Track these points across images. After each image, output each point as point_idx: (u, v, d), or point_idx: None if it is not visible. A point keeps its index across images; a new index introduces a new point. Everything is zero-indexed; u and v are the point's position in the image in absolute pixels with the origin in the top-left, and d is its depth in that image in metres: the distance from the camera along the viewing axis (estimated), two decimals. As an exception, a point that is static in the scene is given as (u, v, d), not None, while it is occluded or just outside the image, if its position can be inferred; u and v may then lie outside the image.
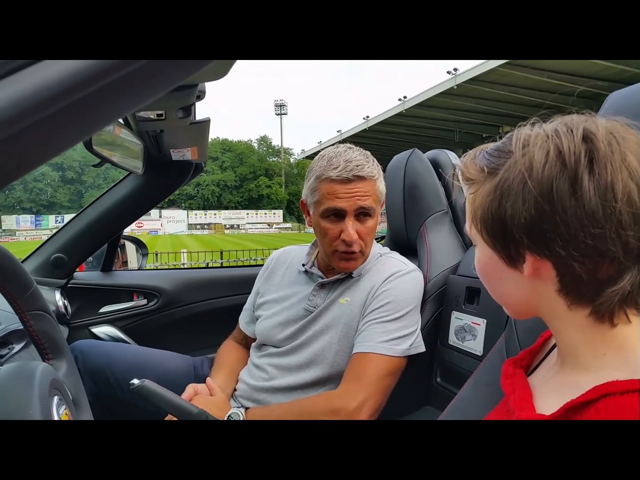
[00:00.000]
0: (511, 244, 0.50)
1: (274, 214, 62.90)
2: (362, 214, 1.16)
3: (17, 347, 1.16)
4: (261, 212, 63.15)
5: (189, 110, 1.09)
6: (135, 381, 1.00)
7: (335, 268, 1.23)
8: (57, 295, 1.55)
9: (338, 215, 1.15)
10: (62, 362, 0.78)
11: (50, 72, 0.31)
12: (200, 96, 1.05)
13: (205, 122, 1.25)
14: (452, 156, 1.55)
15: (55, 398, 0.61)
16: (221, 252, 13.22)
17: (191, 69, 0.39)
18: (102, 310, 1.74)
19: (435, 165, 1.51)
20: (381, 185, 1.19)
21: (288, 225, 58.51)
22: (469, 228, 0.57)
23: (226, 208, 64.26)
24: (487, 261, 0.55)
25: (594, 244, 0.45)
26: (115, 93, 0.34)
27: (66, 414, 0.62)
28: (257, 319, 1.34)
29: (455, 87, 15.68)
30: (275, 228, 56.98)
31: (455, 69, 15.73)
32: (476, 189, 0.53)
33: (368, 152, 1.21)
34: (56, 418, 0.58)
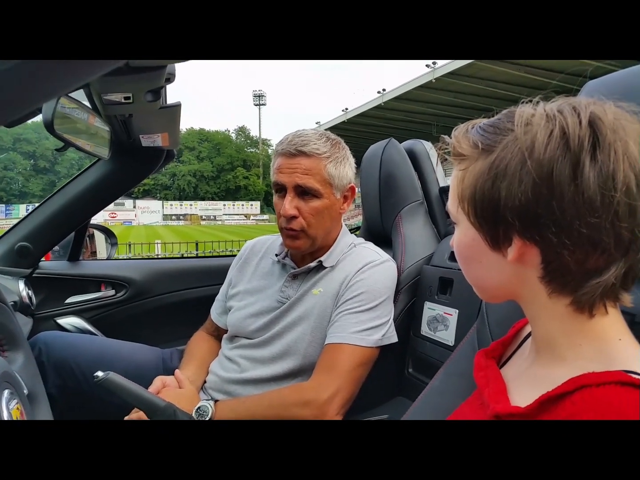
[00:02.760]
0: (501, 226, 0.48)
1: (251, 205, 62.56)
2: (304, 192, 1.14)
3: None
4: (238, 203, 62.75)
5: (157, 93, 1.05)
6: (99, 373, 0.96)
7: (286, 247, 1.23)
8: (21, 285, 1.50)
9: (281, 190, 1.16)
10: (17, 354, 0.74)
11: None
12: (170, 79, 1.01)
13: (176, 107, 1.22)
14: (428, 146, 1.54)
15: (6, 392, 0.57)
16: (196, 243, 13.10)
17: (89, 71, 0.34)
18: (68, 300, 1.70)
19: (412, 155, 1.50)
20: (331, 168, 1.15)
21: (265, 217, 58.32)
22: (453, 207, 0.54)
23: (202, 199, 63.62)
24: (469, 242, 0.53)
25: (588, 233, 0.43)
26: None
27: (17, 408, 0.59)
28: (229, 310, 1.31)
29: (434, 80, 15.81)
30: (252, 219, 56.75)
31: (434, 62, 15.84)
32: (467, 166, 0.50)
33: (334, 137, 1.20)
34: (5, 413, 0.55)
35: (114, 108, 1.14)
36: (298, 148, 1.12)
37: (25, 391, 0.67)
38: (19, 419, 0.58)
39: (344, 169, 1.18)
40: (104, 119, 1.26)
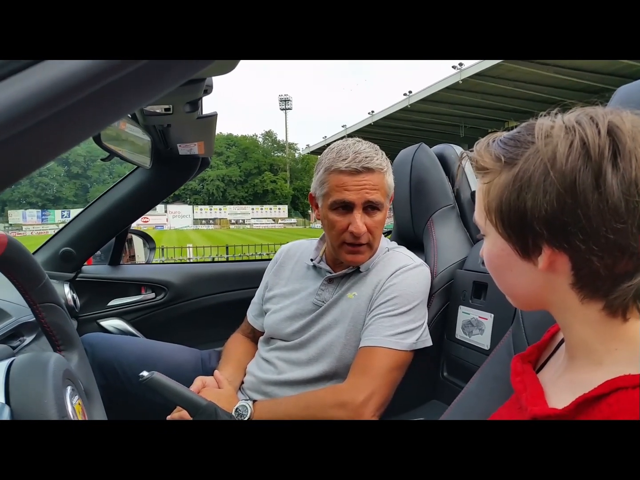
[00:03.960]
0: (529, 236, 0.49)
1: (279, 209, 62.83)
2: (370, 207, 1.16)
3: (28, 339, 1.17)
4: (266, 207, 63.08)
5: (196, 104, 1.10)
6: (145, 373, 1.00)
7: (343, 261, 1.23)
8: (66, 289, 1.57)
9: (346, 207, 1.15)
10: (73, 353, 0.78)
11: (51, 72, 0.31)
12: (208, 90, 1.05)
13: (212, 117, 1.26)
14: (458, 151, 1.54)
15: (69, 388, 0.62)
16: (227, 247, 13.22)
17: (193, 69, 0.38)
18: (111, 303, 1.76)
19: (442, 159, 1.51)
20: (389, 179, 1.19)
21: (293, 220, 58.52)
22: (480, 219, 0.55)
23: (231, 203, 64.21)
24: (499, 253, 0.54)
25: (615, 239, 0.44)
26: (117, 93, 0.34)
27: (79, 403, 0.63)
28: (266, 313, 1.34)
29: (461, 82, 15.58)
30: (280, 223, 57.00)
31: (460, 64, 15.64)
32: (491, 179, 0.52)
33: (377, 146, 1.20)
34: (69, 408, 0.58)
35: (154, 119, 1.19)
36: (364, 165, 1.12)
37: (82, 387, 0.71)
38: (80, 413, 0.62)
39: (391, 178, 1.21)
40: (143, 129, 1.32)
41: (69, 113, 0.32)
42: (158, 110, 1.13)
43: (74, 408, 0.60)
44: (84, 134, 0.36)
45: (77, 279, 1.67)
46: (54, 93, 0.31)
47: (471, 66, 15.12)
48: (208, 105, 1.20)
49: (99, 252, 1.78)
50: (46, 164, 0.35)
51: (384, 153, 1.20)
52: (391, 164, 1.24)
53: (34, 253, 1.64)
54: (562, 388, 0.53)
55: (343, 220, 1.16)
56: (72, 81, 0.31)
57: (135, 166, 1.55)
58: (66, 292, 1.55)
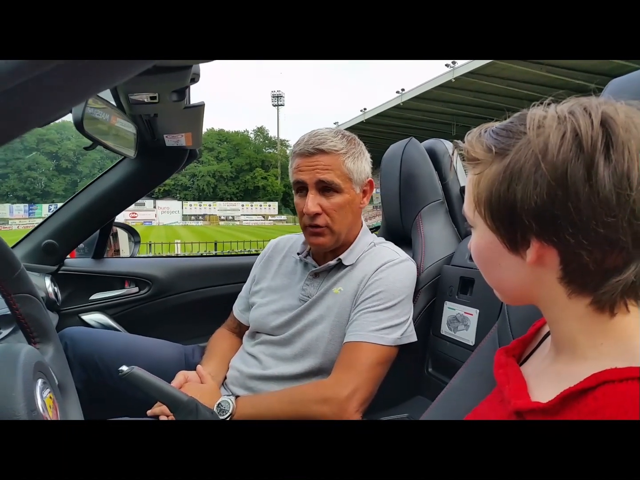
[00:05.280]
0: (518, 229, 0.48)
1: (269, 205, 62.74)
2: (325, 188, 1.16)
3: (5, 332, 1.14)
4: (256, 204, 62.96)
5: (182, 93, 1.08)
6: (124, 368, 0.98)
7: (310, 245, 1.25)
8: (48, 282, 1.53)
9: (303, 189, 1.18)
10: (48, 346, 0.76)
11: None
12: (195, 79, 1.03)
13: (200, 107, 1.23)
14: (449, 146, 1.53)
15: (39, 381, 0.60)
16: (215, 244, 13.20)
17: (123, 71, 0.34)
18: (93, 297, 1.73)
19: (432, 154, 1.50)
20: (351, 164, 1.17)
21: (283, 217, 58.48)
22: (469, 211, 0.54)
23: (221, 199, 63.98)
24: (487, 246, 0.53)
25: (605, 233, 0.43)
26: (26, 98, 0.30)
27: (50, 397, 0.61)
28: (252, 306, 1.33)
29: (454, 80, 15.68)
30: (270, 220, 56.94)
31: (453, 62, 15.73)
32: (481, 170, 0.51)
33: (349, 133, 1.21)
34: (39, 401, 0.56)
35: (140, 108, 1.17)
36: (316, 147, 1.14)
37: (56, 382, 0.69)
38: (51, 407, 0.60)
39: (361, 163, 1.20)
40: (129, 118, 1.29)
41: None
42: (144, 99, 1.11)
43: (44, 402, 0.58)
44: None
45: (60, 272, 1.64)
46: None
47: (464, 64, 15.21)
48: (199, 99, 1.19)
49: (82, 245, 1.75)
50: None
51: (354, 141, 1.20)
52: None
53: (15, 245, 1.61)
54: (546, 381, 0.53)
55: (302, 203, 1.18)
56: None
57: (121, 157, 1.53)
58: (47, 285, 1.52)
